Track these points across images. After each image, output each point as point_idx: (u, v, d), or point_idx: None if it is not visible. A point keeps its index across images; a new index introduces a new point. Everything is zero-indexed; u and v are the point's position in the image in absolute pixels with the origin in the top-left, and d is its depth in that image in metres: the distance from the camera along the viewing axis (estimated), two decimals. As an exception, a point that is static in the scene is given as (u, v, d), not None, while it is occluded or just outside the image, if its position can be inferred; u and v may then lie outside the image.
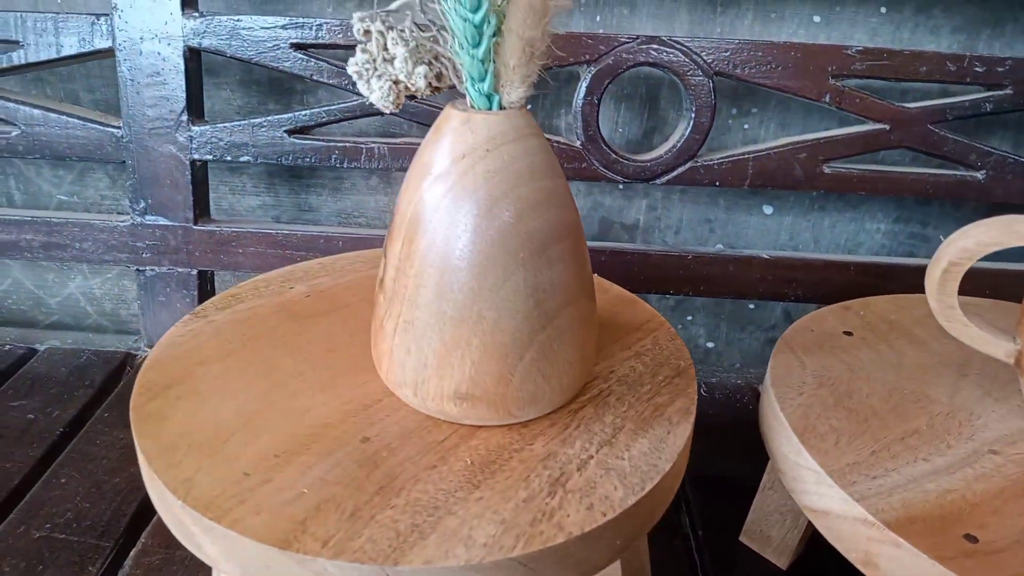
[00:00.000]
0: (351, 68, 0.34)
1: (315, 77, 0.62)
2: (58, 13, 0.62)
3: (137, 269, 0.69)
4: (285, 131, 0.64)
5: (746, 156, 0.64)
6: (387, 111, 0.34)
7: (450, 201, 0.33)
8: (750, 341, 0.81)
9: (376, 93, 0.34)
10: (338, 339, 0.42)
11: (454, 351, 0.34)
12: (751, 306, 0.79)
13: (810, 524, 0.46)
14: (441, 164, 0.33)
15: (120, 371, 0.67)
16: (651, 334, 0.45)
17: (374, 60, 0.33)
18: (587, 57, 0.61)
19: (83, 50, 0.62)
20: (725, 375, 0.71)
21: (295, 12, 0.68)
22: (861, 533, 0.35)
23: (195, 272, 0.68)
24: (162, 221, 0.66)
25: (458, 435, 0.35)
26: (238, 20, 0.61)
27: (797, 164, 0.64)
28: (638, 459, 0.35)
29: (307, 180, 0.75)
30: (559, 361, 0.35)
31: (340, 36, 0.61)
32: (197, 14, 0.61)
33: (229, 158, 0.65)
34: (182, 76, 0.62)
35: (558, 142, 0.64)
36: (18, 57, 0.62)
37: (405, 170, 0.65)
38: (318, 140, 0.64)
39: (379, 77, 0.33)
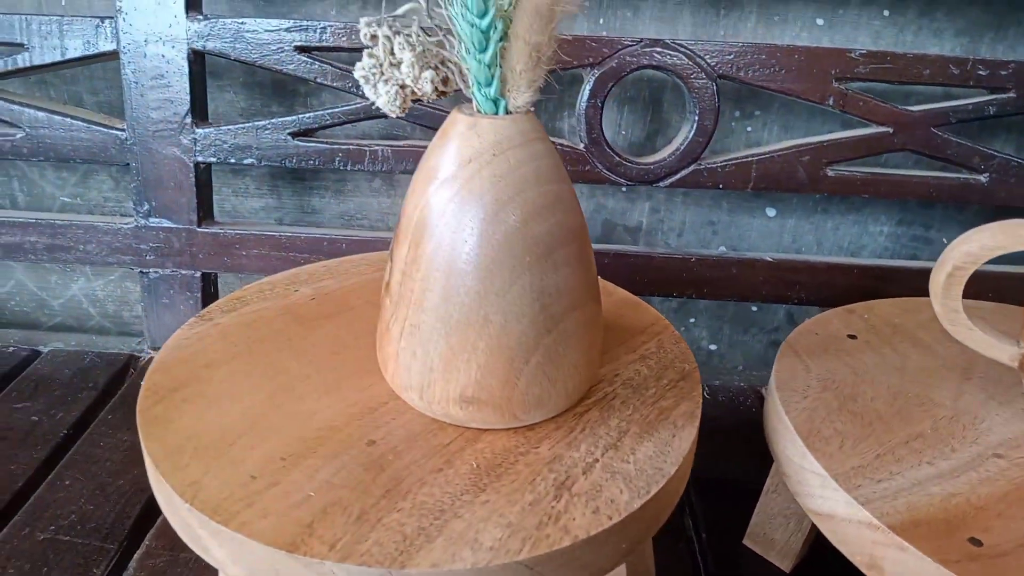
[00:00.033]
0: (358, 73, 0.34)
1: (319, 80, 0.62)
2: (63, 16, 0.62)
3: (141, 271, 0.69)
4: (289, 133, 0.64)
5: (749, 159, 0.64)
6: (393, 115, 0.35)
7: (456, 205, 0.33)
8: (753, 343, 0.81)
9: (383, 98, 0.34)
10: (343, 342, 0.42)
11: (460, 355, 0.34)
12: (754, 308, 0.79)
13: (814, 527, 0.46)
14: (447, 168, 0.33)
15: (123, 373, 0.68)
16: (655, 337, 0.45)
17: (381, 65, 0.33)
18: (590, 60, 0.61)
19: (87, 53, 0.63)
20: (728, 378, 0.71)
21: (298, 15, 0.68)
22: (866, 536, 0.35)
23: (199, 274, 0.68)
24: (166, 223, 0.66)
25: (463, 438, 0.36)
26: (242, 23, 0.61)
27: (800, 167, 0.64)
28: (643, 463, 0.35)
29: (310, 182, 0.75)
30: (565, 365, 0.35)
31: (344, 39, 0.61)
32: (201, 17, 0.61)
33: (233, 160, 0.65)
34: (186, 79, 0.62)
35: (561, 144, 0.64)
36: (23, 60, 0.63)
37: (409, 173, 0.66)
38: (322, 143, 0.64)
39: (386, 82, 0.34)
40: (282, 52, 0.62)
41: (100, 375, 0.66)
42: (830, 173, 0.65)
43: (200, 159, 0.64)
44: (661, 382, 0.41)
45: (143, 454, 0.34)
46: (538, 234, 0.33)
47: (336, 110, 0.63)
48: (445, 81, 0.34)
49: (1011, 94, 0.62)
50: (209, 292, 0.70)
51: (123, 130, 0.64)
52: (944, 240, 0.75)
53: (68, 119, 0.64)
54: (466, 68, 0.33)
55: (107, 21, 0.62)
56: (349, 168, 0.65)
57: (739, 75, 0.62)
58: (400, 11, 0.33)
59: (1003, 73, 0.61)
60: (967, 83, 0.62)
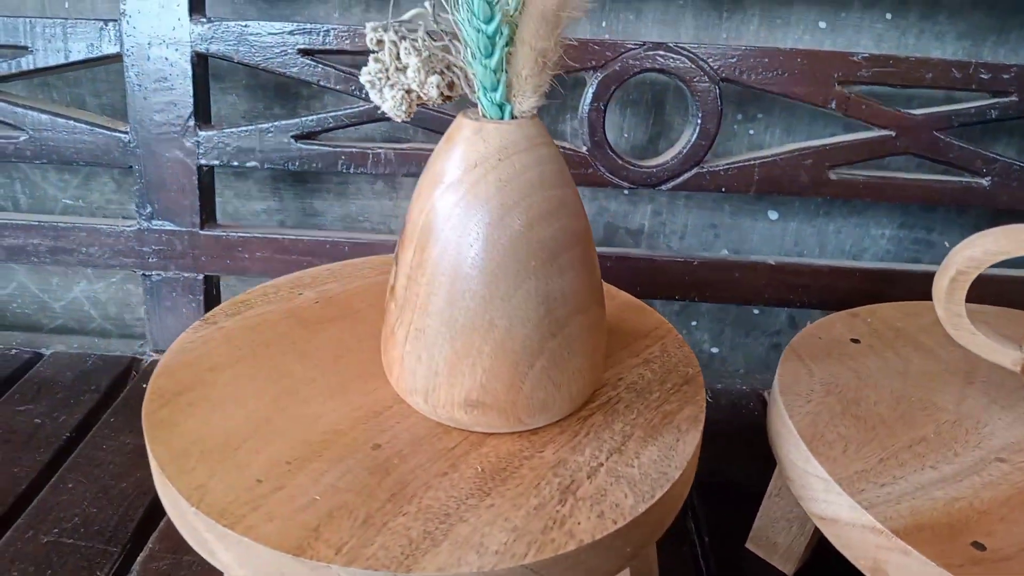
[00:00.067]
0: (364, 77, 0.34)
1: (322, 83, 0.62)
2: (66, 19, 0.62)
3: (143, 274, 0.69)
4: (292, 136, 0.64)
5: (752, 162, 0.64)
6: (399, 120, 0.35)
7: (462, 210, 0.33)
8: (754, 346, 0.81)
9: (389, 102, 0.34)
10: (347, 345, 0.42)
11: (465, 359, 0.34)
12: (755, 311, 0.80)
13: (816, 531, 0.46)
14: (453, 173, 0.33)
15: (126, 376, 0.68)
16: (659, 341, 0.45)
17: (387, 70, 0.33)
18: (593, 63, 0.61)
19: (91, 56, 0.63)
20: (730, 381, 0.72)
21: (301, 17, 0.68)
22: (870, 541, 0.35)
23: (201, 277, 0.68)
24: (168, 226, 0.66)
25: (468, 442, 0.36)
26: (245, 26, 0.61)
27: (803, 170, 0.64)
28: (648, 467, 0.35)
29: (312, 185, 0.75)
30: (569, 369, 0.35)
31: (348, 42, 0.61)
32: (205, 20, 0.61)
33: (236, 163, 0.65)
34: (189, 81, 0.63)
35: (564, 147, 0.64)
36: (27, 63, 0.63)
37: (412, 175, 0.66)
38: (325, 145, 0.64)
39: (392, 86, 0.34)
40: (286, 55, 0.62)
41: (102, 378, 0.66)
42: (832, 176, 0.65)
43: (203, 162, 0.65)
44: (665, 386, 0.41)
45: (149, 457, 0.34)
46: (543, 238, 0.33)
47: (339, 113, 0.64)
48: (451, 86, 0.34)
49: (1013, 98, 0.62)
50: (211, 295, 0.70)
51: (126, 133, 0.64)
52: (946, 243, 0.75)
53: (71, 122, 0.64)
54: (472, 73, 0.33)
55: (111, 24, 0.62)
56: (352, 171, 0.65)
57: (742, 78, 0.62)
58: (406, 16, 0.33)
59: (1005, 77, 0.61)
60: (969, 87, 0.62)
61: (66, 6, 0.69)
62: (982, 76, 0.61)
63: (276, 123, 0.64)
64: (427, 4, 0.33)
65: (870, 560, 0.35)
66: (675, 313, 0.80)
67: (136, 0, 0.61)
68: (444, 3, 0.31)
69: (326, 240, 0.67)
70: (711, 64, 0.61)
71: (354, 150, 0.64)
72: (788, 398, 0.42)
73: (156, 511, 0.51)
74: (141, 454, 0.56)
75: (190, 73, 0.62)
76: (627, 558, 0.33)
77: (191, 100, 0.63)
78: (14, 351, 0.69)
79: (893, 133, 0.63)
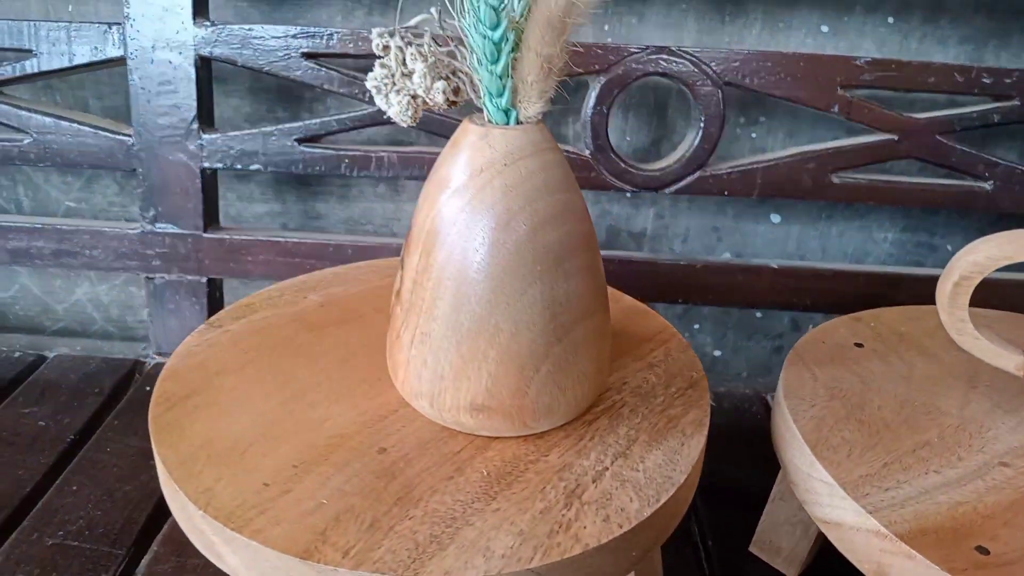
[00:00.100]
0: (370, 83, 0.34)
1: (326, 86, 0.62)
2: (70, 22, 0.62)
3: (147, 277, 0.69)
4: (295, 140, 0.64)
5: (755, 166, 0.64)
6: (405, 125, 0.35)
7: (468, 215, 0.33)
8: (757, 349, 0.81)
9: (395, 108, 0.34)
10: (353, 349, 0.43)
11: (471, 363, 0.34)
12: (758, 315, 0.80)
13: (820, 534, 0.46)
14: (459, 178, 0.33)
15: (129, 378, 0.68)
16: (663, 345, 0.45)
17: (393, 75, 0.34)
18: (597, 67, 0.62)
19: (95, 59, 0.63)
20: (733, 384, 0.72)
21: (304, 21, 0.68)
22: (874, 545, 0.35)
23: (204, 280, 0.68)
24: (172, 229, 0.66)
25: (474, 446, 0.36)
26: (249, 29, 0.61)
27: (806, 174, 0.64)
28: (653, 471, 0.35)
29: (315, 187, 0.75)
30: (574, 373, 0.36)
31: (351, 45, 0.61)
32: (208, 23, 0.62)
33: (239, 166, 0.65)
34: (193, 85, 0.63)
35: (567, 151, 0.64)
36: (31, 66, 0.63)
37: (415, 178, 0.66)
38: (328, 149, 0.65)
39: (398, 92, 0.34)
40: (289, 59, 0.62)
41: (106, 380, 0.66)
42: (835, 180, 0.65)
43: (207, 165, 0.65)
44: (669, 390, 0.41)
45: (156, 461, 0.34)
46: (549, 243, 0.33)
47: (343, 116, 0.64)
48: (456, 91, 0.34)
49: (1015, 102, 0.62)
50: (215, 297, 0.70)
51: (130, 136, 0.64)
52: (948, 247, 0.76)
53: (75, 125, 0.64)
54: (478, 79, 0.33)
55: (114, 27, 0.62)
56: (355, 174, 0.65)
57: (745, 82, 0.62)
58: (412, 22, 0.34)
59: (1007, 81, 0.62)
60: (971, 91, 0.62)
61: (69, 9, 0.69)
62: (984, 80, 0.62)
63: (279, 126, 0.64)
64: (433, 10, 0.33)
65: (874, 564, 0.35)
66: (677, 316, 0.80)
67: (140, 4, 0.61)
68: (450, 9, 0.32)
69: (329, 243, 0.67)
70: (714, 68, 0.62)
71: (357, 153, 0.65)
72: (792, 402, 0.42)
73: (160, 514, 0.51)
74: (145, 457, 0.56)
75: (194, 76, 0.62)
76: (633, 562, 0.33)
77: (195, 103, 0.63)
78: (18, 353, 0.69)
79: (895, 137, 0.63)
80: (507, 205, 0.33)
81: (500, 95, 0.33)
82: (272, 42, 0.61)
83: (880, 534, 0.34)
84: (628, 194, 0.74)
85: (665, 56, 0.61)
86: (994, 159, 0.64)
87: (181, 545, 0.49)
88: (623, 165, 0.64)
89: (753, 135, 0.71)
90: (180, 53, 0.62)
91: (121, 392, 0.65)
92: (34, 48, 0.62)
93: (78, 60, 0.63)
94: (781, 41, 0.68)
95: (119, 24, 0.62)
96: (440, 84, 0.34)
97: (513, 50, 0.32)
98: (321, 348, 0.42)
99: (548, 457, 0.35)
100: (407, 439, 0.36)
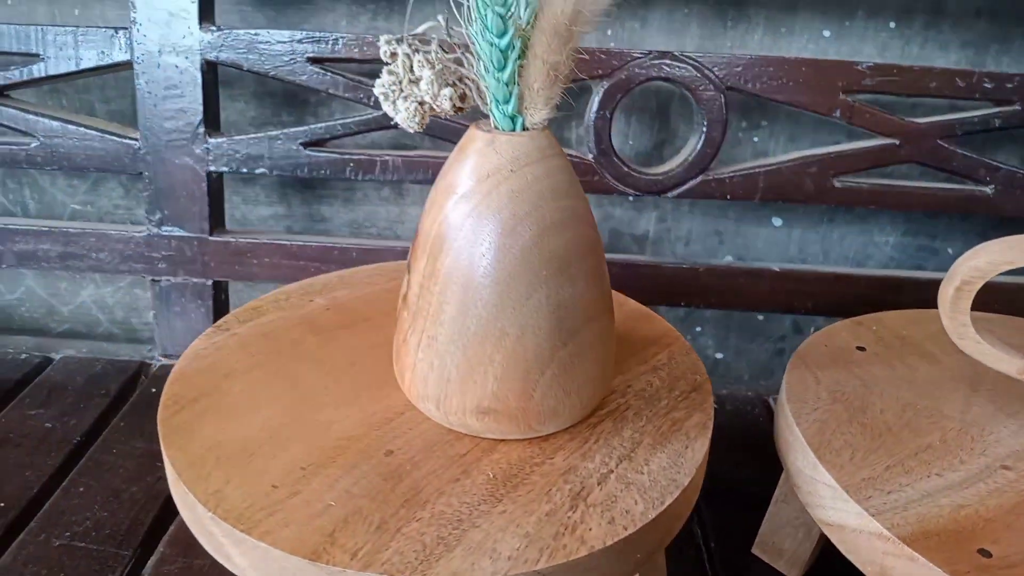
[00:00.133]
0: (377, 89, 0.34)
1: (331, 91, 0.63)
2: (77, 27, 0.63)
3: (152, 279, 0.69)
4: (301, 144, 0.65)
5: (757, 170, 0.65)
6: (412, 131, 0.35)
7: (474, 220, 0.33)
8: (759, 352, 0.82)
9: (402, 114, 0.34)
10: (359, 352, 0.43)
11: (477, 367, 0.34)
12: (760, 317, 0.80)
13: (822, 536, 0.46)
14: (466, 184, 0.33)
15: (135, 380, 0.68)
16: (667, 348, 0.45)
17: (400, 82, 0.34)
18: (600, 72, 0.62)
19: (102, 63, 0.63)
20: (735, 386, 0.72)
21: (309, 26, 0.69)
22: (877, 547, 0.35)
23: (210, 283, 0.69)
24: (178, 232, 0.67)
25: (480, 448, 0.36)
26: (255, 34, 0.62)
27: (808, 178, 0.65)
28: (657, 473, 0.35)
29: (319, 191, 0.76)
30: (579, 376, 0.36)
31: (357, 50, 0.62)
32: (214, 28, 0.62)
33: (245, 170, 0.65)
34: (199, 89, 0.63)
35: (570, 155, 0.65)
36: (38, 70, 0.63)
37: (419, 182, 0.67)
38: (333, 152, 0.65)
39: (405, 98, 0.34)
40: (295, 63, 0.62)
41: (111, 382, 0.67)
42: (837, 184, 0.65)
43: (212, 168, 0.65)
44: (673, 393, 0.41)
45: (165, 463, 0.35)
46: (554, 248, 0.34)
47: (348, 120, 0.64)
48: (463, 98, 0.35)
49: (1016, 107, 0.62)
50: (220, 300, 0.70)
51: (136, 140, 0.65)
52: (949, 251, 0.76)
53: (82, 128, 0.65)
54: (484, 85, 0.33)
55: (121, 32, 0.63)
56: (360, 178, 0.65)
57: (747, 87, 0.62)
58: (420, 29, 0.34)
59: (1008, 86, 0.62)
60: (973, 96, 0.62)
61: (76, 13, 0.69)
62: (985, 85, 0.62)
63: (285, 130, 0.64)
64: (440, 17, 0.34)
65: (877, 566, 0.35)
66: (680, 319, 0.80)
67: (146, 8, 0.61)
68: (457, 16, 0.32)
69: (334, 246, 0.68)
70: (716, 73, 0.62)
71: (362, 157, 0.65)
72: (795, 406, 0.43)
73: (166, 515, 0.52)
74: (151, 458, 0.57)
75: (200, 81, 0.63)
76: (637, 564, 0.33)
77: (201, 107, 0.63)
78: (24, 355, 0.70)
79: (897, 141, 0.64)
80: (513, 210, 0.33)
81: (506, 102, 0.33)
82: (278, 47, 0.62)
83: (883, 536, 0.35)
84: (631, 198, 0.74)
85: (668, 61, 0.62)
86: (995, 163, 0.64)
87: (187, 546, 0.49)
88: (626, 169, 0.65)
89: (755, 139, 0.72)
90: (186, 58, 0.62)
91: (127, 394, 0.66)
92: (41, 52, 0.63)
93: (85, 64, 0.63)
94: (783, 46, 0.69)
95: (126, 29, 0.62)
96: (447, 91, 0.34)
97: (519, 57, 0.32)
98: (327, 351, 0.43)
99: (553, 460, 0.36)
100: (414, 441, 0.36)
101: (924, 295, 0.67)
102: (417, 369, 0.36)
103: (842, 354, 0.48)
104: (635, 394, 0.41)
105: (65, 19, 0.69)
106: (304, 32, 0.62)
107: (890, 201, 0.66)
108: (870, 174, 0.66)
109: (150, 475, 0.55)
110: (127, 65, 0.63)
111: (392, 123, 0.35)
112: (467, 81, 0.34)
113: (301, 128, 0.64)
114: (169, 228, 0.67)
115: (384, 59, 0.34)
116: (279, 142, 0.65)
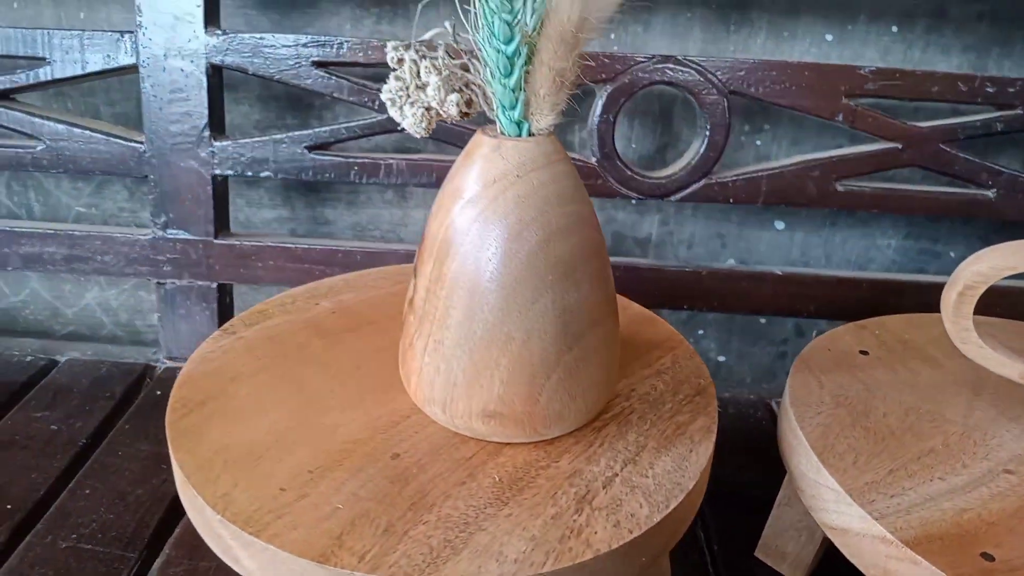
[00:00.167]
0: (384, 95, 0.35)
1: (335, 94, 0.63)
2: (83, 30, 0.63)
3: (157, 282, 0.70)
4: (305, 147, 0.65)
5: (760, 173, 0.65)
6: (418, 136, 0.35)
7: (480, 225, 0.33)
8: (761, 355, 0.82)
9: (409, 119, 0.35)
10: (365, 356, 0.43)
11: (483, 371, 0.34)
12: (762, 320, 0.80)
13: (825, 539, 0.47)
14: (472, 189, 0.34)
15: (139, 383, 0.68)
16: (670, 352, 0.46)
17: (407, 87, 0.34)
18: (603, 76, 0.62)
19: (107, 67, 0.63)
20: (737, 390, 0.72)
21: (313, 30, 0.69)
22: (880, 551, 0.35)
23: (215, 285, 0.69)
24: (183, 235, 0.67)
25: (485, 452, 0.36)
26: (260, 38, 0.62)
27: (810, 182, 0.65)
28: (662, 477, 0.35)
29: (323, 193, 0.76)
30: (584, 380, 0.36)
31: (361, 54, 0.62)
32: (220, 32, 0.62)
33: (250, 173, 0.66)
34: (204, 92, 0.63)
35: (573, 158, 0.65)
36: (44, 73, 0.64)
37: (423, 186, 0.67)
38: (338, 156, 0.65)
39: (412, 104, 0.34)
40: (300, 67, 0.62)
41: (117, 385, 0.67)
42: (840, 188, 0.65)
43: (217, 172, 0.65)
44: (677, 397, 0.41)
45: (173, 466, 0.35)
46: (560, 253, 0.34)
47: (352, 124, 0.64)
48: (469, 103, 0.35)
49: (1018, 111, 0.63)
50: (225, 303, 0.71)
51: (142, 143, 0.65)
52: (951, 254, 0.76)
53: (87, 132, 0.65)
54: (491, 91, 0.34)
55: (127, 35, 0.63)
56: (364, 181, 0.66)
57: (750, 91, 0.63)
58: (427, 35, 0.34)
59: (1011, 90, 0.62)
60: (975, 100, 0.63)
61: (81, 17, 0.69)
62: (987, 89, 0.62)
63: (290, 134, 0.65)
64: (447, 24, 0.34)
65: (880, 570, 0.36)
66: (682, 322, 0.80)
67: (152, 12, 0.62)
68: (464, 23, 0.32)
69: (338, 249, 0.68)
70: (719, 77, 0.62)
71: (366, 160, 0.65)
72: (799, 409, 0.43)
73: (172, 517, 0.52)
74: (157, 460, 0.57)
75: (205, 84, 0.63)
76: (642, 567, 0.33)
77: (206, 111, 0.64)
78: (29, 358, 0.70)
79: (899, 145, 0.64)
80: (519, 216, 0.33)
81: (513, 108, 0.33)
82: (283, 50, 0.62)
83: (886, 540, 0.35)
84: (633, 201, 0.75)
85: (671, 65, 0.62)
86: (997, 167, 0.65)
87: (193, 548, 0.49)
88: (629, 172, 0.65)
89: (758, 143, 0.72)
90: (192, 61, 0.63)
91: (132, 396, 0.66)
92: (47, 56, 0.63)
93: (91, 68, 0.64)
94: (786, 50, 0.69)
95: (131, 32, 0.63)
96: (454, 96, 0.34)
97: (526, 64, 0.32)
98: (333, 355, 0.43)
99: (559, 463, 0.36)
100: (420, 445, 0.36)
101: (926, 299, 0.67)
102: (423, 373, 0.36)
103: (845, 358, 0.49)
104: (639, 398, 0.41)
105: (71, 23, 0.70)
106: (309, 36, 0.62)
107: (892, 205, 0.66)
108: (872, 178, 0.67)
109: (155, 477, 0.55)
110: (132, 69, 0.64)
111: (398, 128, 0.36)
112: (474, 87, 0.35)
113: (306, 131, 0.65)
114: (174, 231, 0.67)
115: (391, 65, 0.35)
116: (284, 145, 0.65)
